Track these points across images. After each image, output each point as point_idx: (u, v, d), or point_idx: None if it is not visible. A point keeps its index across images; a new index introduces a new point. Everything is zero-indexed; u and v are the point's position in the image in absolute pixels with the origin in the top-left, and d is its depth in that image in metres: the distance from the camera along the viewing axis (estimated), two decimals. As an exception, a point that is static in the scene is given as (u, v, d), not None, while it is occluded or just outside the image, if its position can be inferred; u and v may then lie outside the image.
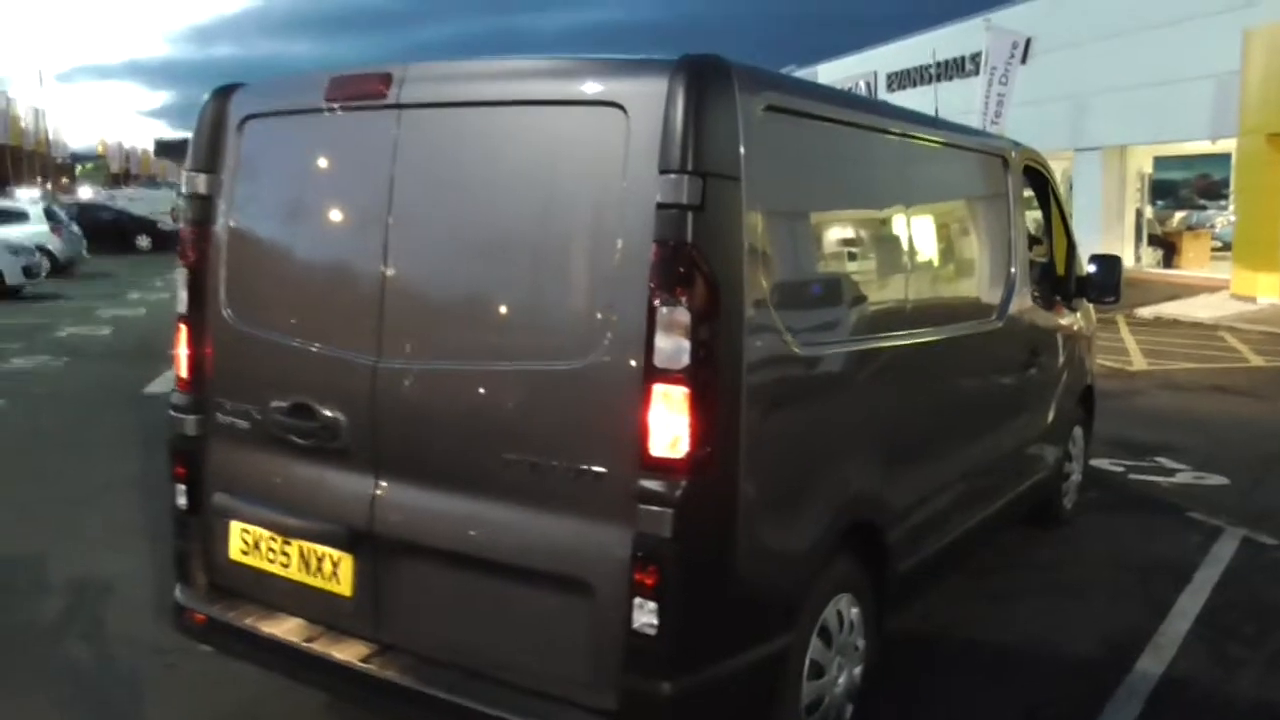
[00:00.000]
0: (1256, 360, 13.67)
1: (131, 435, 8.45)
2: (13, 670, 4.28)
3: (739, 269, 2.87)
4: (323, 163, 3.55)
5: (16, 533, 5.95)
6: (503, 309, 3.11)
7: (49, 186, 54.16)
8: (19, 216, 24.13)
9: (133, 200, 38.70)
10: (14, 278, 19.42)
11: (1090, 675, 4.37)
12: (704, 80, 2.77)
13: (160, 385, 10.76)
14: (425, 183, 3.20)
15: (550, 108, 3.00)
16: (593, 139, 2.90)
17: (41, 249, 21.91)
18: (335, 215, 3.51)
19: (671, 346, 2.73)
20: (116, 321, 16.18)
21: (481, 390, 3.07)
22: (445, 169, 3.19)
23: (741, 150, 2.86)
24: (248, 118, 3.62)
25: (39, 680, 4.20)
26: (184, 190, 3.80)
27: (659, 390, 2.75)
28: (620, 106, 2.82)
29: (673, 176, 2.72)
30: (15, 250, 19.85)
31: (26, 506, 6.46)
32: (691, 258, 2.73)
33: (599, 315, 2.86)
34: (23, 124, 58.19)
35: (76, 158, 78.58)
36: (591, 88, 2.92)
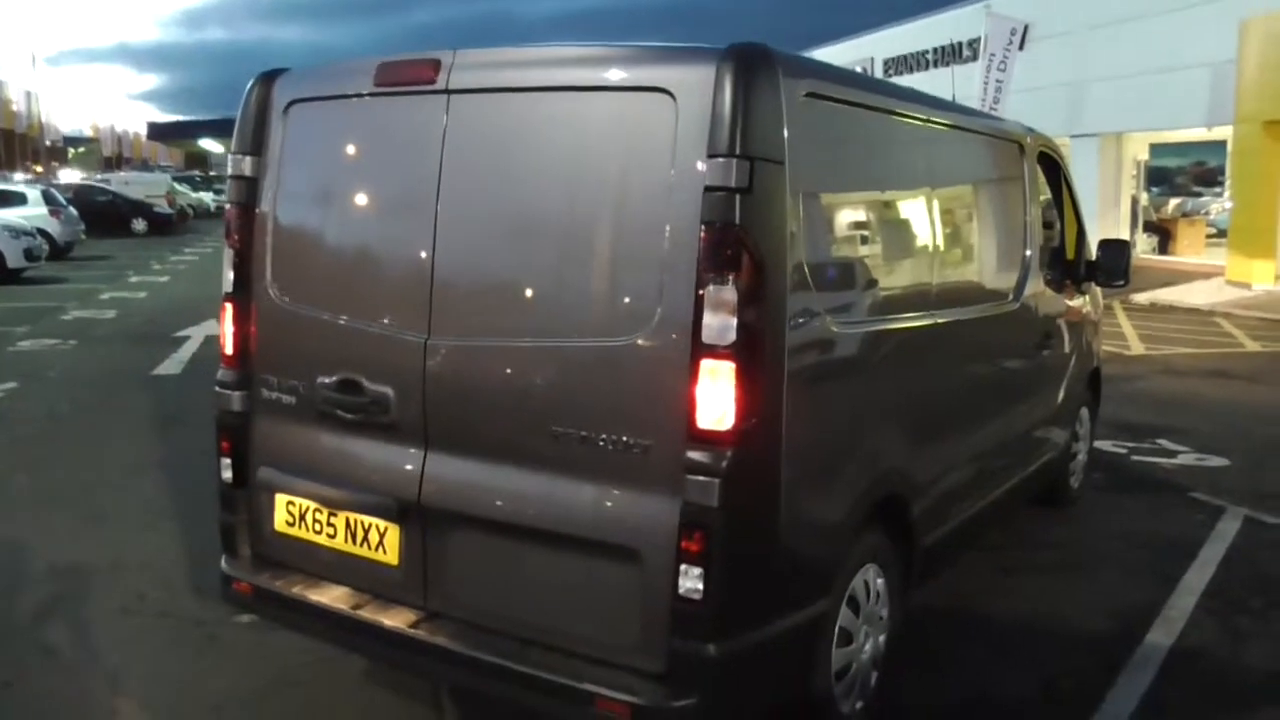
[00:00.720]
0: (1253, 345, 13.82)
1: (147, 417, 8.56)
2: (61, 646, 4.39)
3: (783, 250, 2.98)
4: (370, 147, 3.64)
5: (47, 515, 6.05)
6: (552, 288, 3.21)
7: (39, 170, 53.89)
8: (17, 199, 24.08)
9: (127, 184, 38.48)
10: (15, 261, 19.39)
11: (1103, 647, 4.51)
12: (750, 67, 2.88)
13: (169, 367, 10.87)
14: (473, 166, 3.30)
15: (599, 93, 3.09)
16: (641, 124, 3.00)
17: (41, 232, 21.88)
18: (383, 197, 3.60)
19: (719, 324, 2.85)
20: (120, 304, 16.22)
21: (531, 366, 3.17)
22: (493, 153, 3.29)
23: (785, 134, 2.97)
24: (293, 102, 3.71)
25: (87, 652, 4.31)
26: (229, 172, 3.88)
27: (707, 366, 2.86)
28: (669, 93, 2.92)
29: (721, 160, 2.83)
30: (16, 233, 19.82)
31: (54, 489, 6.55)
32: (739, 239, 2.84)
33: (648, 294, 2.96)
34: (14, 107, 57.95)
35: (68, 141, 78.17)
36: (640, 74, 3.02)
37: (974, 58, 22.98)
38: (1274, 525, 6.12)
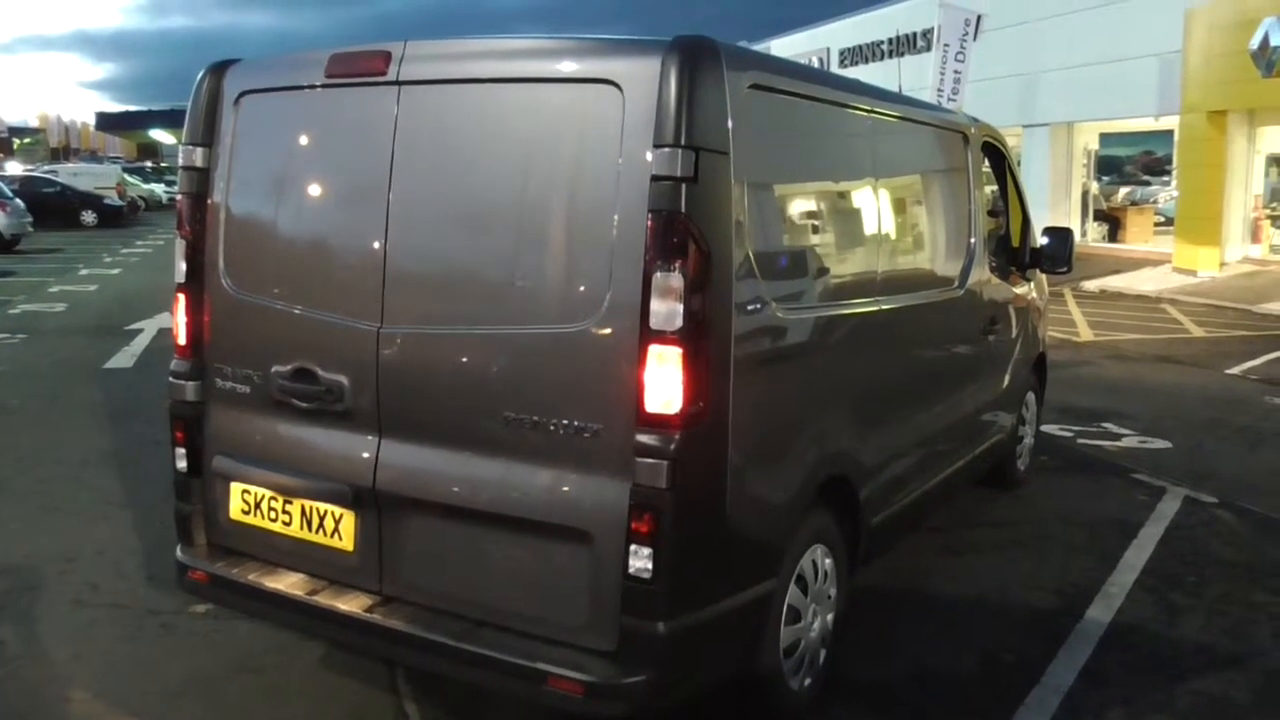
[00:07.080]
0: (1197, 331, 14.15)
1: (99, 410, 8.48)
2: (11, 639, 4.36)
3: (728, 238, 3.06)
4: (322, 137, 3.66)
5: (1, 507, 6.01)
6: (502, 277, 3.25)
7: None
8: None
9: (76, 175, 37.69)
10: (-39, 254, 19.06)
11: (1044, 623, 4.65)
12: (695, 59, 2.95)
13: (121, 360, 10.75)
14: (424, 157, 3.34)
15: (547, 85, 3.15)
16: (589, 115, 3.05)
17: (-14, 224, 21.52)
18: (336, 188, 3.62)
19: (666, 310, 2.91)
20: (69, 297, 15.98)
21: (482, 353, 3.22)
22: (444, 144, 3.32)
23: (730, 125, 3.04)
24: (244, 93, 3.73)
25: (39, 644, 4.29)
26: (180, 163, 3.89)
27: (654, 351, 2.93)
28: (616, 84, 2.98)
29: (667, 150, 2.89)
30: (-39, 226, 19.46)
31: (3, 482, 6.49)
32: (685, 227, 2.91)
33: (597, 282, 3.02)
34: (-42, 97, 56.43)
35: (14, 131, 76.50)
36: (588, 66, 3.07)
37: (928, 48, 23.24)
38: (1212, 504, 6.32)
